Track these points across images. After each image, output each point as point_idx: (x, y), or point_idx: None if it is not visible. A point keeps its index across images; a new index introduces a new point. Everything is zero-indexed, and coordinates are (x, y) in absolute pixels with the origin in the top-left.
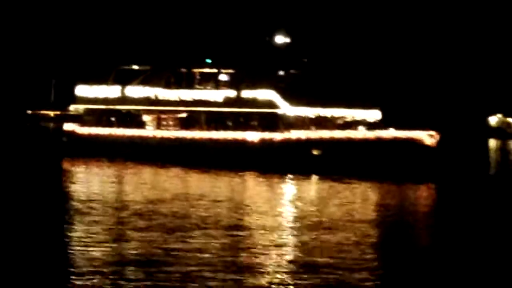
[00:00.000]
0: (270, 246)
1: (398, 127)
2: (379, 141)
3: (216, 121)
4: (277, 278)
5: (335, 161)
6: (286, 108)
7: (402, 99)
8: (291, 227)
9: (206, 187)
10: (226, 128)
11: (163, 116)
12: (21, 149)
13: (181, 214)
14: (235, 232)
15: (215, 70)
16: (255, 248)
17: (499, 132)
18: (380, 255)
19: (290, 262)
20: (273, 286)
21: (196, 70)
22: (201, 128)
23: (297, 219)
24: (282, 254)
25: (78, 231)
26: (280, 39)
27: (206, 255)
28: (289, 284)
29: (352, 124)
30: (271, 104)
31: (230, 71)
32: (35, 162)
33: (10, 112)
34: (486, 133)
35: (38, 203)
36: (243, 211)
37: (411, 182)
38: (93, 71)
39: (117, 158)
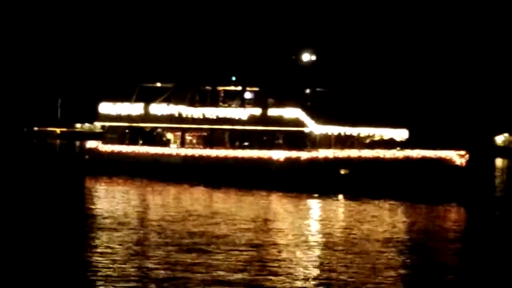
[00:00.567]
0: (294, 265)
1: (426, 146)
2: (408, 160)
3: (241, 139)
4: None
5: (363, 181)
6: (312, 127)
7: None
8: (316, 247)
9: (230, 207)
10: (251, 146)
11: (187, 134)
12: (33, 165)
13: (202, 232)
14: (258, 251)
15: (240, 88)
16: (278, 266)
17: (506, 151)
18: (405, 277)
19: (313, 280)
20: None
21: (220, 88)
22: (225, 147)
23: (322, 239)
24: (307, 273)
25: (98, 248)
26: (306, 57)
27: (229, 274)
28: None
29: (380, 143)
30: (297, 122)
31: (255, 89)
32: (54, 179)
33: (17, 129)
34: (493, 153)
35: (59, 221)
36: (268, 231)
37: (441, 203)
38: (116, 89)
39: (140, 176)
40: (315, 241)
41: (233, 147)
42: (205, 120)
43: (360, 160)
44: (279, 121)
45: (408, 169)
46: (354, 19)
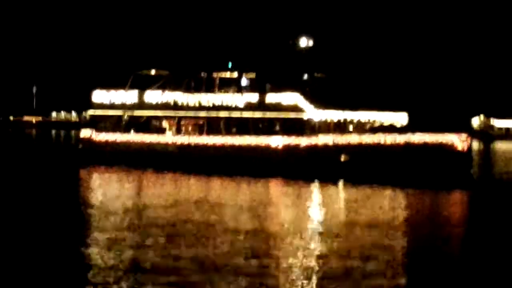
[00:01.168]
0: (296, 252)
1: (426, 130)
2: (409, 146)
3: (239, 126)
4: (301, 283)
5: (363, 167)
6: (311, 112)
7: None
8: (315, 234)
9: (227, 194)
10: (248, 133)
11: (183, 121)
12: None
13: (201, 221)
14: (256, 238)
15: (236, 74)
16: (278, 253)
17: (482, 134)
18: (407, 263)
19: (312, 267)
20: None
21: (216, 74)
22: (222, 134)
23: (321, 225)
24: (305, 260)
25: (95, 238)
26: (304, 42)
27: (227, 261)
28: None
29: (380, 129)
30: (296, 108)
31: (252, 75)
32: (47, 170)
33: None
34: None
35: (53, 211)
36: (266, 218)
37: (443, 189)
38: (110, 76)
39: (135, 165)
40: (314, 228)
41: (231, 134)
42: (201, 107)
43: (360, 146)
44: (277, 107)
45: (410, 155)
46: (352, 3)
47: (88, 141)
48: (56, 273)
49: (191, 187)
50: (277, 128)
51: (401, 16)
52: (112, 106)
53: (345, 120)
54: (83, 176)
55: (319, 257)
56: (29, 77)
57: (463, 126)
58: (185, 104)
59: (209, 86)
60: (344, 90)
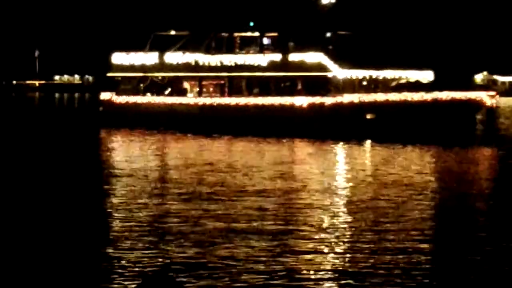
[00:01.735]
0: (320, 212)
1: (453, 88)
2: (436, 103)
3: (261, 86)
4: (323, 241)
5: (390, 126)
6: (336, 71)
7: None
8: (341, 193)
9: (251, 155)
10: (272, 93)
11: (204, 82)
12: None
13: (222, 182)
14: (280, 198)
15: (258, 34)
16: (302, 214)
17: (485, 88)
18: (437, 222)
19: (336, 225)
20: (317, 249)
21: (237, 34)
22: (245, 94)
23: (348, 184)
24: (332, 220)
25: (114, 198)
26: None
27: (247, 223)
28: (332, 247)
29: (406, 86)
30: (320, 67)
31: (274, 34)
32: (68, 132)
33: None
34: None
35: (74, 174)
36: (291, 178)
37: (472, 146)
38: (129, 38)
39: (156, 127)
40: (341, 187)
41: (253, 94)
42: (223, 68)
43: (386, 104)
44: (300, 66)
45: (437, 112)
46: None
47: (109, 103)
48: (78, 235)
49: (213, 149)
50: (300, 87)
51: None
52: (132, 68)
53: (370, 78)
54: (104, 138)
55: (349, 214)
56: (31, 41)
57: (466, 83)
58: (206, 65)
59: (230, 47)
60: (368, 48)
